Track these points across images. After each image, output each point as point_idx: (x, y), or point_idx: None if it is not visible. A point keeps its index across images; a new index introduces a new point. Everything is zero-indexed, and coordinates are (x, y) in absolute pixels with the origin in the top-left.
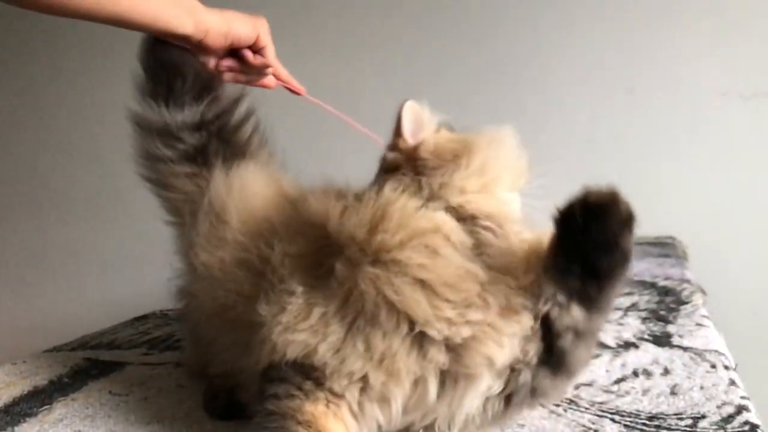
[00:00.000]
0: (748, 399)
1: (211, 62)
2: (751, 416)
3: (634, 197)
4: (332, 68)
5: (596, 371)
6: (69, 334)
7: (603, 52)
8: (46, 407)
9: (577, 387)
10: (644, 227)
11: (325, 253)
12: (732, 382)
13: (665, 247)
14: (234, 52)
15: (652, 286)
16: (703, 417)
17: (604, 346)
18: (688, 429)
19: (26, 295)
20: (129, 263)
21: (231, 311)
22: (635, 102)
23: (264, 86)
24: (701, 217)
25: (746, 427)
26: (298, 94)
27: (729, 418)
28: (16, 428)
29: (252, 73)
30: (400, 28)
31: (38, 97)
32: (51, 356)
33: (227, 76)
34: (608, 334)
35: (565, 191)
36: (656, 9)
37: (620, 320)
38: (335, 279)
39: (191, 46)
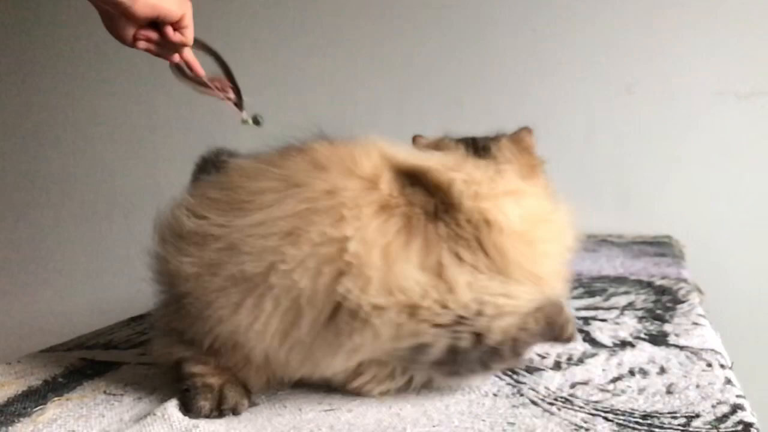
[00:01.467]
0: (743, 397)
1: (131, 30)
2: (746, 415)
3: (631, 196)
4: (329, 69)
5: (592, 370)
6: (65, 334)
7: (601, 52)
8: (40, 407)
9: (573, 386)
10: (641, 226)
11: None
12: (728, 381)
13: (662, 246)
14: (155, 25)
15: (649, 285)
16: (698, 416)
17: (600, 345)
18: (681, 428)
19: (22, 295)
20: (125, 263)
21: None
22: (633, 101)
23: (172, 63)
24: (698, 216)
25: (740, 427)
26: (198, 74)
27: (723, 418)
28: (9, 428)
29: (167, 48)
30: (396, 26)
31: (35, 97)
32: (46, 356)
33: (142, 44)
34: (605, 333)
35: (562, 190)
36: (653, 8)
37: (617, 319)
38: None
39: (117, 12)
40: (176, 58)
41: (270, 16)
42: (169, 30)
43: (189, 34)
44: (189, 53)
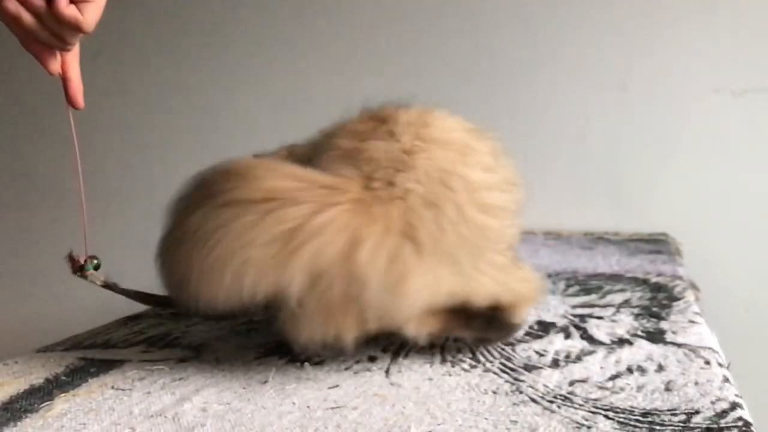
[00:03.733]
0: (740, 397)
1: None
2: (744, 413)
3: (626, 193)
4: (325, 67)
5: (591, 368)
6: (60, 334)
7: (595, 49)
8: (46, 403)
9: (571, 384)
10: (637, 224)
11: None
12: (725, 380)
13: (658, 244)
14: None
15: (645, 282)
16: (697, 412)
17: (598, 342)
18: (681, 425)
19: (18, 294)
20: (121, 263)
21: None
22: (628, 99)
23: (47, 68)
24: (694, 213)
25: (740, 423)
26: (73, 106)
27: (723, 413)
28: (18, 423)
29: (48, 27)
30: (389, 25)
31: (30, 96)
32: (44, 356)
33: (11, 5)
34: (602, 331)
35: (559, 188)
36: (648, 5)
37: (613, 317)
38: None
39: None
40: (55, 67)
41: (267, 16)
42: (62, 1)
43: (90, 16)
44: (75, 68)
